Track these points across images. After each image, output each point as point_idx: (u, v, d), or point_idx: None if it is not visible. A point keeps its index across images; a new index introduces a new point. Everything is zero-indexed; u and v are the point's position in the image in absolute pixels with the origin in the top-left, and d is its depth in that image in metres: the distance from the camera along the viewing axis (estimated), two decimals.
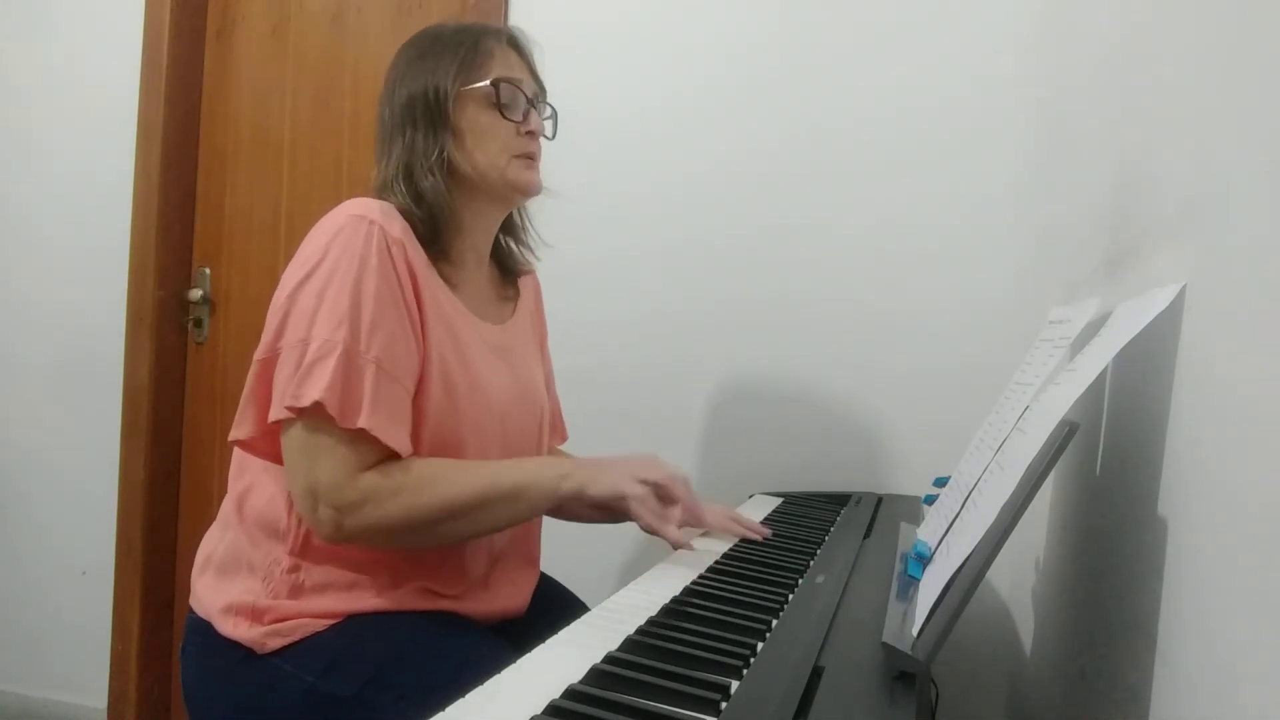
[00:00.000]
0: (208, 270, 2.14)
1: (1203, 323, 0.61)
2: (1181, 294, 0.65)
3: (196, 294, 2.12)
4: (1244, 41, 0.58)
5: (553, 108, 1.16)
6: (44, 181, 2.16)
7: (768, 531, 1.12)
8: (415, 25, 1.94)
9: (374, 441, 0.92)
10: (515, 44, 1.11)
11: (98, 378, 2.10)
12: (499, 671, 0.65)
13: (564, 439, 1.35)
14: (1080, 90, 1.22)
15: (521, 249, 1.22)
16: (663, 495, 0.99)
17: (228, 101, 2.12)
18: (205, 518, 1.55)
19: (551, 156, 1.82)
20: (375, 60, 2.00)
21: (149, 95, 2.05)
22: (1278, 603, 0.45)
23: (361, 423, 0.90)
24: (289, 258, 0.98)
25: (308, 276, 0.93)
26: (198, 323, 2.14)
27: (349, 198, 0.99)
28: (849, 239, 1.62)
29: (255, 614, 0.96)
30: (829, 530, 1.18)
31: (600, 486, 0.96)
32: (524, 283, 1.23)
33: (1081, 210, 1.13)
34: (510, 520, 1.02)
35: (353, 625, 0.96)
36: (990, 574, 0.74)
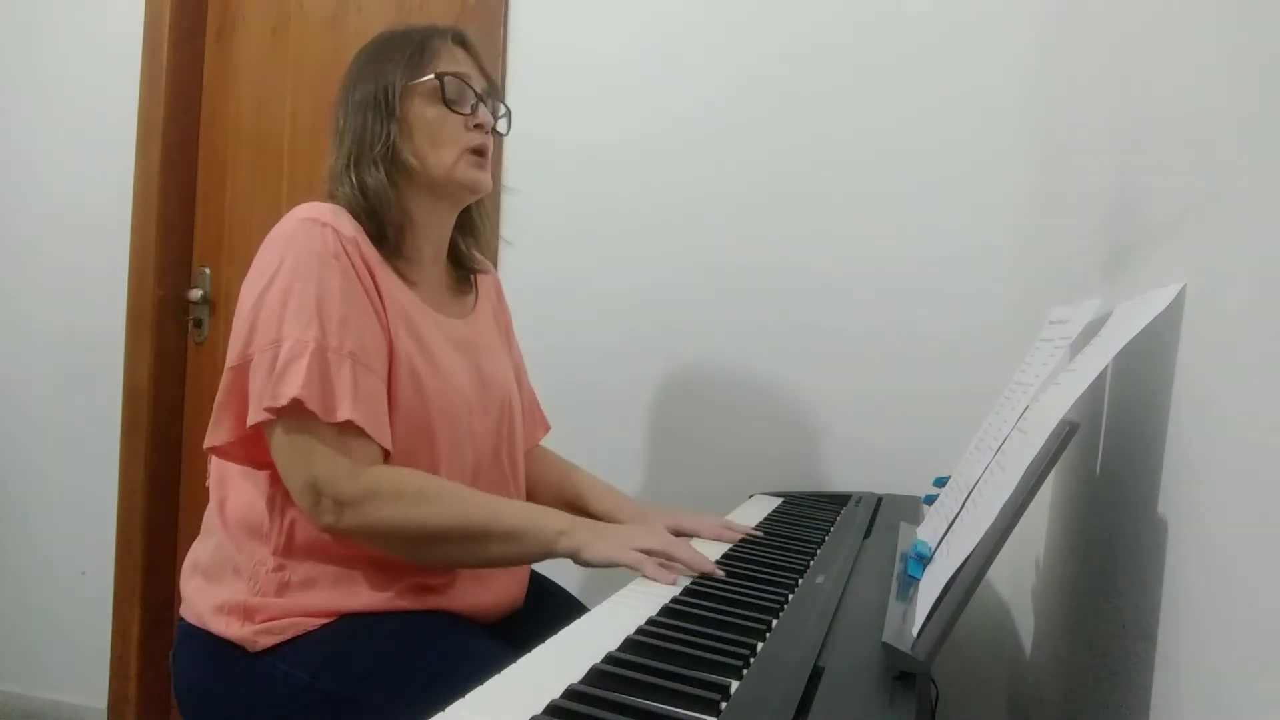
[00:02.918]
0: (208, 270, 2.14)
1: (1203, 323, 0.61)
2: (1181, 294, 0.65)
3: (196, 294, 2.12)
4: (1244, 41, 0.58)
5: (506, 106, 1.18)
6: (44, 181, 2.16)
7: (758, 533, 1.12)
8: None
9: (360, 433, 0.92)
10: (463, 42, 1.12)
11: (98, 378, 2.09)
12: (496, 671, 0.65)
13: (546, 429, 1.34)
14: (1081, 91, 1.22)
15: (473, 250, 1.21)
16: (662, 562, 0.93)
17: (228, 102, 2.12)
18: None
19: (557, 167, 1.83)
20: None
21: (149, 95, 2.05)
22: (1278, 603, 0.45)
23: (344, 414, 0.91)
24: None
25: (269, 283, 0.94)
26: (198, 323, 2.14)
27: None
28: (848, 238, 1.62)
29: (247, 612, 0.96)
30: (829, 530, 1.18)
31: (596, 553, 0.93)
32: (483, 280, 1.24)
33: (1082, 210, 1.13)
34: (500, 560, 1.02)
35: (346, 624, 0.96)
36: (990, 574, 0.74)
